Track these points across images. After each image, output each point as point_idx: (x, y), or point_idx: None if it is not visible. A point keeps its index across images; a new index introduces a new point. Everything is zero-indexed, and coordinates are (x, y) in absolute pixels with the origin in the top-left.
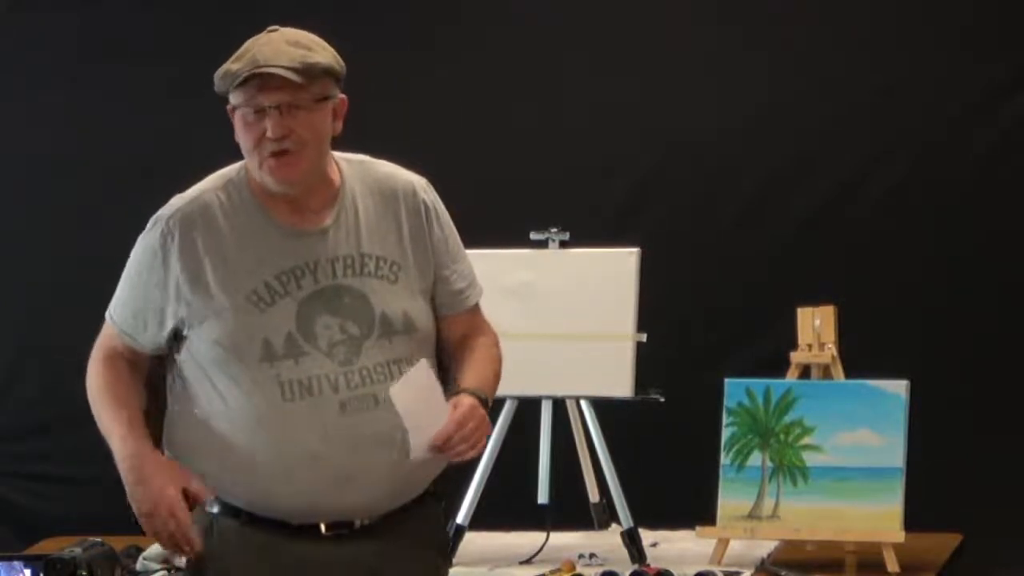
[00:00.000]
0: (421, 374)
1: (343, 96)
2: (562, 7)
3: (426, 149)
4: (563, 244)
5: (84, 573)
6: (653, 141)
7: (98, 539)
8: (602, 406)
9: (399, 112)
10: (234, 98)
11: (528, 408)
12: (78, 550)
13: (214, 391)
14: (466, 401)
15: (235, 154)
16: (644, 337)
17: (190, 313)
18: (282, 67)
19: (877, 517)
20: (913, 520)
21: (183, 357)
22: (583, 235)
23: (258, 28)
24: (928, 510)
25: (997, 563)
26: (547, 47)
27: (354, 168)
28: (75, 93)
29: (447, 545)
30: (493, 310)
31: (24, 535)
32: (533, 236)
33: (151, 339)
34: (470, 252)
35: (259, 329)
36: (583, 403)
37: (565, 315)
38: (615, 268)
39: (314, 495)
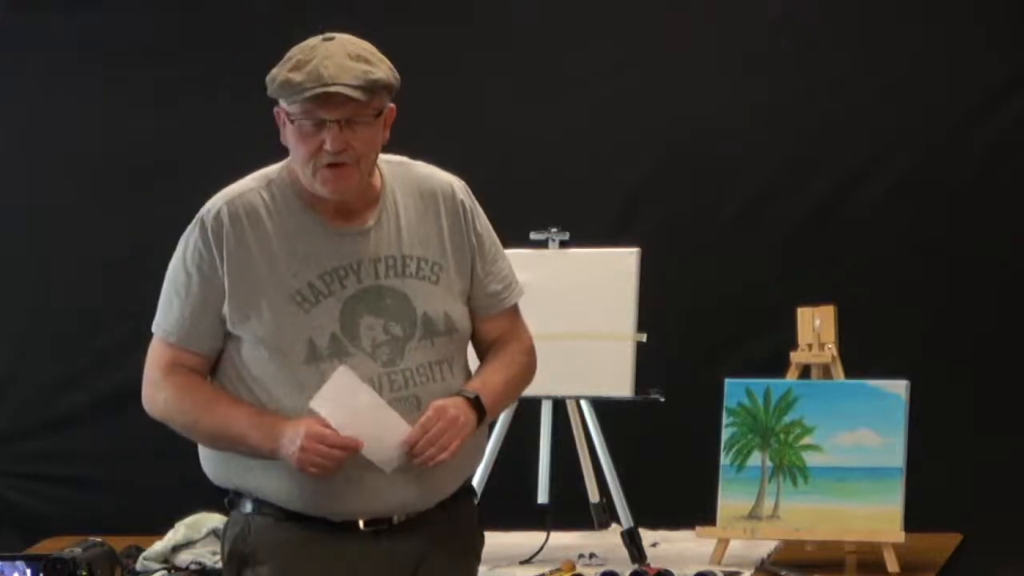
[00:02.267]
0: (342, 381)
1: (392, 105)
2: (562, 7)
3: (426, 149)
4: (563, 244)
5: (84, 573)
6: (653, 141)
7: (98, 539)
8: (602, 406)
9: (398, 112)
10: (291, 107)
11: (528, 408)
12: (78, 550)
13: (256, 390)
14: (435, 404)
15: (233, 154)
16: (644, 337)
17: (234, 311)
18: (349, 86)
19: (877, 517)
20: (913, 520)
21: (225, 356)
22: (583, 235)
23: (258, 28)
24: (928, 510)
25: (997, 563)
26: (547, 47)
27: (394, 170)
28: (75, 93)
29: (482, 543)
30: None
31: (24, 535)
32: (533, 236)
33: (213, 341)
34: None
35: (304, 329)
36: (583, 403)
37: (565, 315)
38: (615, 268)
39: (354, 493)
